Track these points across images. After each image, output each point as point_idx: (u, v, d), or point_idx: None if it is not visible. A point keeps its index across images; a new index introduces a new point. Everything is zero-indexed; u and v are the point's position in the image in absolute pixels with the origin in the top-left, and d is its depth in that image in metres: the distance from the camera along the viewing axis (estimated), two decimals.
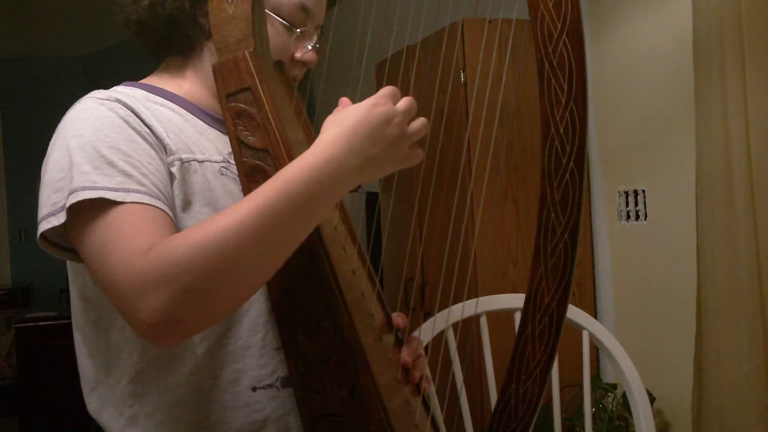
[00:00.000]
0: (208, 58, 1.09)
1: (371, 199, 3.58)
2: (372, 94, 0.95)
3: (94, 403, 1.03)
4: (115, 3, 1.10)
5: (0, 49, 6.33)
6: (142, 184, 0.91)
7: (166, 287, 0.82)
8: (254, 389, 1.00)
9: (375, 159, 0.92)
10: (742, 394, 1.92)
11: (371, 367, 0.93)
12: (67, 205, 0.89)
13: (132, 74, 1.18)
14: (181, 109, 1.07)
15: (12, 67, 6.53)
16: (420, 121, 0.96)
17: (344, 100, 0.97)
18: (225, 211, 0.87)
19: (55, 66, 6.68)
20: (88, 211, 0.89)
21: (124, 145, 0.93)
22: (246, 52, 0.95)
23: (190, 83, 1.10)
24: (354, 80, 1.14)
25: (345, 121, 0.91)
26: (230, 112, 0.96)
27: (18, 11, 5.54)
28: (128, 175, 0.91)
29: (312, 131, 1.11)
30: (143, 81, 1.10)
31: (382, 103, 0.93)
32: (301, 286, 0.92)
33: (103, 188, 0.89)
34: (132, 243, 0.85)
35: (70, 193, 0.89)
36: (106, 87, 1.07)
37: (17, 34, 6.07)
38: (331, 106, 0.98)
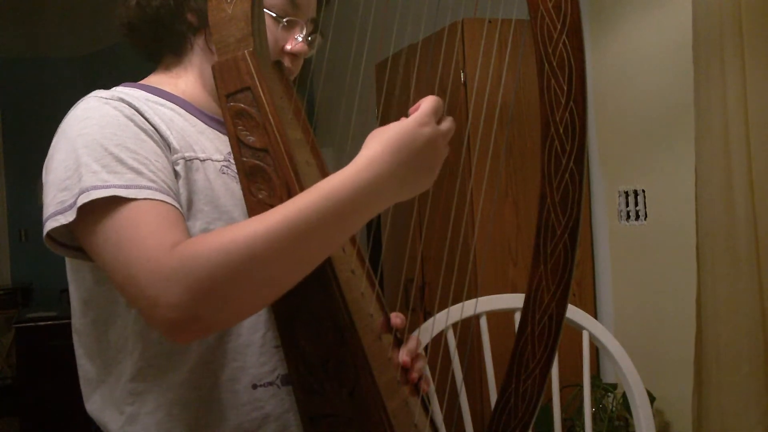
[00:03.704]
0: (199, 55, 1.09)
1: None
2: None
3: (93, 403, 1.04)
4: (114, 7, 1.10)
5: (0, 49, 6.33)
6: (153, 181, 0.91)
7: (190, 285, 0.82)
8: (254, 387, 1.01)
9: (414, 180, 0.92)
10: (742, 394, 1.92)
11: (371, 368, 0.93)
12: (79, 204, 0.88)
13: (132, 74, 1.18)
14: (180, 108, 1.07)
15: (12, 67, 6.53)
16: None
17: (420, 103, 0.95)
18: (257, 217, 0.87)
19: (55, 66, 6.68)
20: (99, 210, 0.89)
21: (131, 143, 0.93)
22: (246, 51, 0.95)
23: (185, 82, 1.10)
24: (354, 80, 1.14)
25: (389, 141, 0.90)
26: (230, 111, 0.96)
27: (18, 11, 5.54)
28: (138, 172, 0.91)
29: (311, 131, 1.11)
30: (141, 82, 1.11)
31: (427, 122, 0.92)
32: (301, 286, 0.92)
33: (114, 186, 0.89)
34: (153, 239, 0.86)
35: (81, 192, 0.89)
36: (106, 87, 1.08)
37: (17, 34, 6.07)
38: (330, 106, 0.98)
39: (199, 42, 1.09)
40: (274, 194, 0.93)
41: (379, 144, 0.90)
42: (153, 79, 1.12)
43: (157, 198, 0.90)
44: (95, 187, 0.89)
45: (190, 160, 1.00)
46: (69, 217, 0.90)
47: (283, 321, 0.95)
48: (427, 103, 0.93)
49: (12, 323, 4.86)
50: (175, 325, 0.84)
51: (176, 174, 0.98)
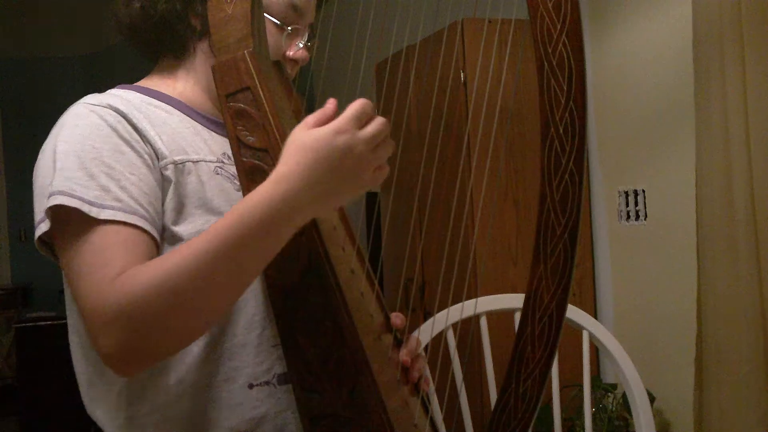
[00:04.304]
0: (201, 58, 1.09)
1: (371, 198, 3.57)
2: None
3: (91, 404, 1.04)
4: (112, 8, 1.10)
5: (0, 49, 6.33)
6: (118, 200, 0.92)
7: (125, 322, 0.85)
8: (251, 387, 1.01)
9: (334, 191, 0.89)
10: (742, 394, 1.92)
11: (371, 367, 0.93)
12: (45, 207, 0.91)
13: (132, 74, 1.18)
14: (175, 110, 1.07)
15: (12, 67, 6.53)
16: (386, 147, 0.91)
17: (330, 102, 0.92)
18: (184, 245, 0.89)
19: (55, 66, 6.67)
20: (66, 225, 0.92)
21: (108, 156, 0.94)
22: (245, 51, 0.95)
23: (183, 84, 1.11)
24: (354, 80, 1.14)
25: (304, 152, 0.87)
26: (230, 112, 0.96)
27: (18, 11, 5.54)
28: (106, 190, 0.92)
29: None
30: (137, 84, 1.11)
31: (344, 130, 0.87)
32: (301, 285, 0.92)
33: (80, 198, 0.90)
34: (101, 271, 0.88)
35: (50, 195, 0.92)
36: (106, 87, 1.08)
37: (17, 34, 6.07)
38: None
39: (202, 47, 1.09)
40: None
41: (293, 157, 0.87)
42: (150, 81, 1.12)
43: (118, 219, 0.91)
44: (62, 193, 0.91)
45: (181, 163, 1.00)
46: (45, 226, 0.93)
47: (283, 321, 0.95)
48: (348, 110, 0.89)
49: (12, 323, 4.86)
50: (116, 361, 0.88)
51: (165, 179, 0.98)
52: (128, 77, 1.14)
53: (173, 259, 0.87)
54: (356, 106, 0.89)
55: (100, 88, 1.06)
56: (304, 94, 1.16)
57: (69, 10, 5.54)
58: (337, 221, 1.06)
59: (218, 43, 0.97)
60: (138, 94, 1.06)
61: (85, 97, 1.01)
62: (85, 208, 0.90)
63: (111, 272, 0.87)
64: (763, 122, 1.89)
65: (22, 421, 4.25)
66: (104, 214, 0.90)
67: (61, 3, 5.45)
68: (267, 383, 1.01)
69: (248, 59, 0.94)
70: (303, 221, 0.90)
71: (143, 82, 1.12)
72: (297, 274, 0.93)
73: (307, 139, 0.88)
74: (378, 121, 0.89)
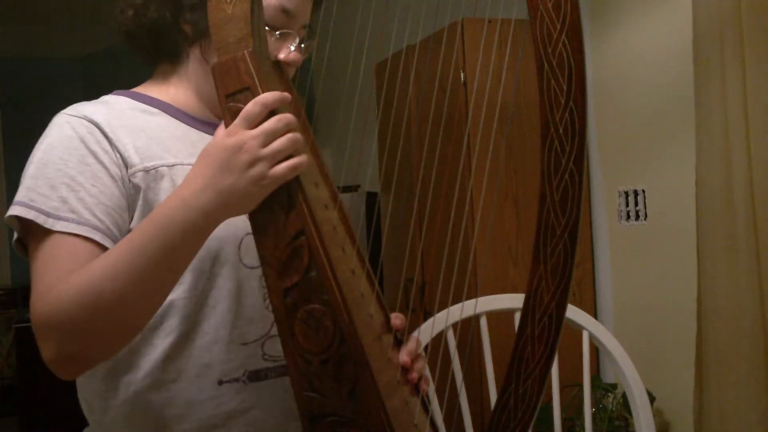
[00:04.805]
0: (194, 64, 1.11)
1: (371, 198, 3.57)
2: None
3: (79, 395, 1.10)
4: (112, 14, 1.13)
5: (0, 50, 6.33)
6: (74, 211, 0.96)
7: (57, 331, 0.91)
8: (220, 383, 1.04)
9: (231, 189, 0.91)
10: (742, 394, 1.92)
11: (371, 367, 0.93)
12: (6, 216, 0.97)
13: (132, 75, 1.19)
14: (164, 113, 1.10)
15: (12, 68, 6.53)
16: (283, 140, 0.91)
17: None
18: (105, 253, 0.93)
19: (55, 66, 6.68)
20: (29, 233, 0.98)
21: (73, 167, 0.99)
22: (245, 51, 0.95)
23: (176, 88, 1.13)
24: (354, 80, 1.14)
25: (202, 158, 0.93)
26: (229, 112, 0.96)
27: (18, 11, 5.54)
28: (64, 202, 0.96)
29: (311, 131, 1.11)
30: (134, 89, 1.14)
31: (233, 132, 0.91)
32: (301, 286, 0.92)
33: (37, 209, 0.96)
34: (47, 280, 0.93)
35: (13, 204, 0.98)
36: (106, 87, 1.11)
37: (17, 34, 6.07)
38: (330, 106, 0.98)
39: (194, 52, 1.11)
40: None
41: (196, 165, 0.93)
42: (145, 87, 1.15)
43: (70, 231, 0.95)
44: (22, 203, 0.97)
45: (153, 169, 1.03)
46: (17, 234, 0.99)
47: (283, 321, 0.95)
48: (243, 112, 0.92)
49: (12, 323, 4.85)
50: (56, 366, 0.93)
51: (134, 187, 1.02)
52: (128, 78, 1.15)
53: (96, 266, 0.91)
54: (247, 107, 0.92)
55: (100, 89, 1.10)
56: (304, 94, 1.16)
57: (69, 10, 5.53)
58: (337, 221, 1.06)
59: (218, 43, 0.97)
60: (128, 99, 1.09)
61: (68, 107, 1.05)
62: (41, 219, 0.95)
63: (52, 281, 0.92)
64: (763, 122, 1.89)
65: (22, 421, 4.25)
66: (58, 226, 0.95)
67: (61, 3, 5.44)
68: (237, 380, 1.05)
69: (248, 59, 0.94)
70: (211, 224, 0.93)
71: (139, 88, 1.14)
72: (297, 275, 0.93)
73: (206, 147, 0.94)
74: (274, 119, 0.92)
